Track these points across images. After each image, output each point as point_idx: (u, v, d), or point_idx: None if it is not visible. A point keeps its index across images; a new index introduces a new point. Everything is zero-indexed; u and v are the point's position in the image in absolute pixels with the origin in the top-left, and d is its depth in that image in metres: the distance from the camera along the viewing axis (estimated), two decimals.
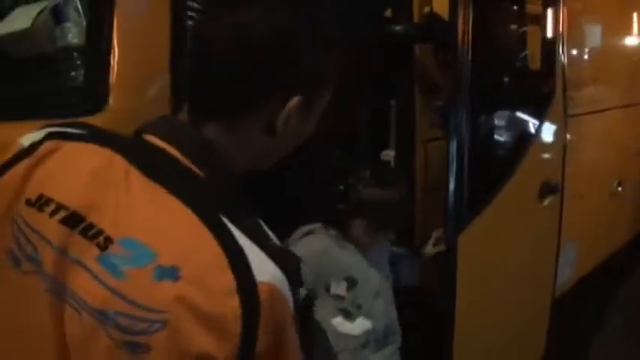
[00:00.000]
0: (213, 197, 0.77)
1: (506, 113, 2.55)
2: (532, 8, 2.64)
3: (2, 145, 1.53)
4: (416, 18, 2.36)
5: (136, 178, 0.79)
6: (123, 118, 1.57)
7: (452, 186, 2.15)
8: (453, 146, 2.16)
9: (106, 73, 1.55)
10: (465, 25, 2.14)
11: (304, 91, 0.85)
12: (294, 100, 0.84)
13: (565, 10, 2.81)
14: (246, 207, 0.79)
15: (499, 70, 2.39)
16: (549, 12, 2.71)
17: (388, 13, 2.38)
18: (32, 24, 1.59)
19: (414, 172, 2.41)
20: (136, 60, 1.60)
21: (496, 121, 2.51)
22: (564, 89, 2.88)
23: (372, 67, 2.46)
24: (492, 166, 2.44)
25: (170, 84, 1.63)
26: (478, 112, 2.32)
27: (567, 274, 3.48)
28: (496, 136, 2.54)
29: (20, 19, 1.62)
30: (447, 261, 2.16)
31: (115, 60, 1.56)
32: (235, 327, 0.70)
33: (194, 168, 0.81)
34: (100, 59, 1.56)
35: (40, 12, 1.61)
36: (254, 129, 0.85)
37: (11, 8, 1.72)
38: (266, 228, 0.80)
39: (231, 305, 0.70)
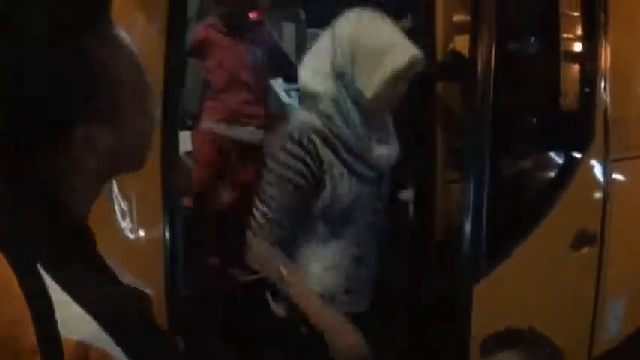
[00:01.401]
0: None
1: (535, 156, 2.40)
2: (569, 43, 2.51)
3: None
4: (439, 55, 2.27)
5: None
6: None
7: (467, 231, 2.04)
8: (470, 190, 2.05)
9: None
10: (485, 62, 2.05)
11: None
12: None
13: (608, 44, 2.65)
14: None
15: (528, 109, 2.27)
16: (587, 47, 2.57)
17: None
18: None
19: (434, 214, 2.31)
20: None
21: (524, 164, 2.38)
22: (606, 131, 2.70)
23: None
24: (517, 213, 2.30)
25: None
26: (501, 154, 2.21)
27: (614, 331, 3.25)
28: (523, 181, 2.40)
29: None
30: (460, 314, 2.05)
31: None
32: None
33: None
34: None
35: None
36: None
37: None
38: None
39: None
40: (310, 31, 3.92)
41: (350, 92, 1.59)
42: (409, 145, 2.38)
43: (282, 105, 3.57)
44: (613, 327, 3.19)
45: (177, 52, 1.67)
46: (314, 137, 1.60)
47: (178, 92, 1.74)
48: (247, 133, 2.99)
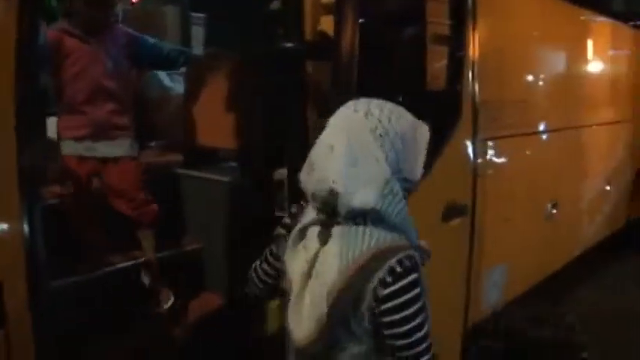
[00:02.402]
0: None
1: None
2: (436, 27, 2.63)
3: None
4: (308, 35, 2.33)
5: None
6: None
7: None
8: None
9: None
10: (349, 42, 2.12)
11: None
12: None
13: (477, 30, 2.79)
14: None
15: (394, 89, 2.36)
16: (455, 31, 2.70)
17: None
18: None
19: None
20: None
21: None
22: (475, 112, 2.85)
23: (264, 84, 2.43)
24: None
25: (15, 98, 1.58)
26: None
27: (495, 298, 3.44)
28: None
29: None
30: None
31: None
32: None
33: None
34: None
35: None
36: None
37: None
38: None
39: None
40: (195, 14, 3.86)
41: (400, 185, 1.42)
42: (282, 123, 2.44)
43: (165, 89, 3.52)
44: (493, 294, 3.39)
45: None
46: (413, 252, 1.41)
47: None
48: (114, 147, 2.71)
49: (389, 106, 1.46)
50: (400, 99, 2.41)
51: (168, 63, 3.04)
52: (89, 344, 2.29)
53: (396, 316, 1.35)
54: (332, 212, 1.38)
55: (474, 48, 2.79)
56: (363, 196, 1.35)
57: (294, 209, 1.56)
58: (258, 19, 2.67)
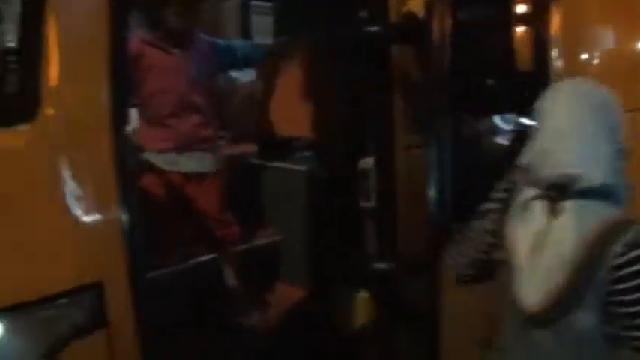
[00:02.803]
0: None
1: (494, 117, 2.39)
2: (523, 7, 2.49)
3: None
4: (393, 18, 2.22)
5: None
6: (56, 128, 1.48)
7: (432, 196, 2.02)
8: (431, 153, 2.03)
9: (38, 79, 1.46)
10: (441, 25, 2.02)
11: None
12: None
13: (561, 9, 2.64)
14: None
15: (485, 71, 2.25)
16: (539, 11, 2.55)
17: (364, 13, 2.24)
18: None
19: (393, 180, 2.27)
20: (71, 66, 1.49)
21: (484, 125, 2.36)
22: None
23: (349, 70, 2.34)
24: (481, 174, 2.28)
25: (110, 92, 1.53)
26: (461, 117, 2.19)
27: None
28: (485, 142, 2.39)
29: None
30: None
31: (47, 66, 1.47)
32: None
33: None
34: (33, 64, 1.46)
35: None
36: None
37: None
38: None
39: None
40: (254, 2, 3.76)
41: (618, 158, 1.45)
42: (367, 110, 2.34)
43: (233, 79, 3.44)
44: None
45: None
46: None
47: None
48: (198, 162, 2.61)
49: (588, 81, 1.56)
50: (492, 81, 2.32)
51: (244, 63, 2.94)
52: (179, 340, 2.26)
53: (631, 283, 1.35)
54: (560, 189, 1.41)
55: (556, 28, 2.65)
56: (594, 174, 1.39)
57: (505, 185, 1.56)
58: (338, 3, 2.55)
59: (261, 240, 2.92)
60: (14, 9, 1.51)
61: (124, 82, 1.62)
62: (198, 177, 2.61)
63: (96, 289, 1.52)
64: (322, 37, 2.72)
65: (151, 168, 2.57)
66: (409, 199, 2.26)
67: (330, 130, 2.67)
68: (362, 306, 2.34)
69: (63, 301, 1.50)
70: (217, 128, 2.72)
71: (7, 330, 1.46)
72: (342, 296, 2.42)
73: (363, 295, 2.33)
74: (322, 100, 2.75)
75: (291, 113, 2.85)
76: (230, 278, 2.69)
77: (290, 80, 2.91)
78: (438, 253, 1.93)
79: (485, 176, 2.03)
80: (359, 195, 2.33)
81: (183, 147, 2.57)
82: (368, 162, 2.29)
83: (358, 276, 2.37)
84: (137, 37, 2.54)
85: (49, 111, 1.47)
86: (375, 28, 2.18)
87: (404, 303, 2.27)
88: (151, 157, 2.57)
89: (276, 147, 3.02)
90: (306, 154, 2.99)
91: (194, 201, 2.63)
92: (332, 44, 2.64)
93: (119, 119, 1.57)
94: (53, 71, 1.48)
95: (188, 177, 2.60)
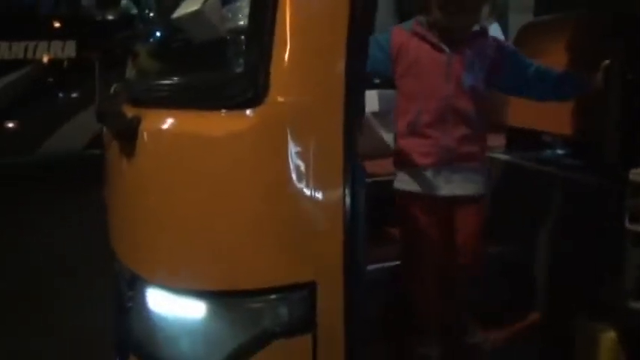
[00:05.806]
0: None
1: None
2: None
3: (159, 133, 1.46)
4: None
5: None
6: (285, 112, 1.38)
7: None
8: None
9: (266, 60, 1.37)
10: None
11: None
12: None
13: None
14: None
15: None
16: None
17: None
18: (202, 4, 1.48)
19: None
20: (303, 46, 1.38)
21: None
22: None
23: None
24: None
25: (345, 74, 1.39)
26: None
27: None
28: None
29: (192, 2, 1.52)
30: None
31: (278, 45, 1.37)
32: None
33: None
34: (261, 44, 1.37)
35: None
36: None
37: None
38: None
39: None
40: None
41: None
42: None
43: None
44: None
45: None
46: None
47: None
48: (461, 183, 2.20)
49: None
50: None
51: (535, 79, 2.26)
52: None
53: None
54: None
55: None
56: None
57: None
58: None
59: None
60: None
61: (361, 68, 1.45)
62: (462, 201, 2.22)
63: (309, 287, 1.41)
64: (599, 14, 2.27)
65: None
66: None
67: (601, 127, 2.22)
68: (605, 347, 1.98)
69: (275, 296, 1.42)
70: (486, 144, 2.28)
71: (216, 312, 1.43)
72: (584, 330, 2.05)
73: (609, 335, 1.98)
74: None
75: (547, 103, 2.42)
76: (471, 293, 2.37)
77: (550, 61, 2.46)
78: None
79: None
80: (624, 214, 1.91)
81: (443, 163, 2.17)
82: None
83: (607, 312, 1.98)
84: (399, 26, 2.26)
85: (277, 95, 1.37)
86: None
87: None
88: (402, 174, 2.25)
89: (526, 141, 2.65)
90: (569, 157, 2.59)
91: (452, 231, 2.27)
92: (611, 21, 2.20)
93: (352, 110, 1.40)
94: (283, 53, 1.37)
95: (448, 201, 2.22)
